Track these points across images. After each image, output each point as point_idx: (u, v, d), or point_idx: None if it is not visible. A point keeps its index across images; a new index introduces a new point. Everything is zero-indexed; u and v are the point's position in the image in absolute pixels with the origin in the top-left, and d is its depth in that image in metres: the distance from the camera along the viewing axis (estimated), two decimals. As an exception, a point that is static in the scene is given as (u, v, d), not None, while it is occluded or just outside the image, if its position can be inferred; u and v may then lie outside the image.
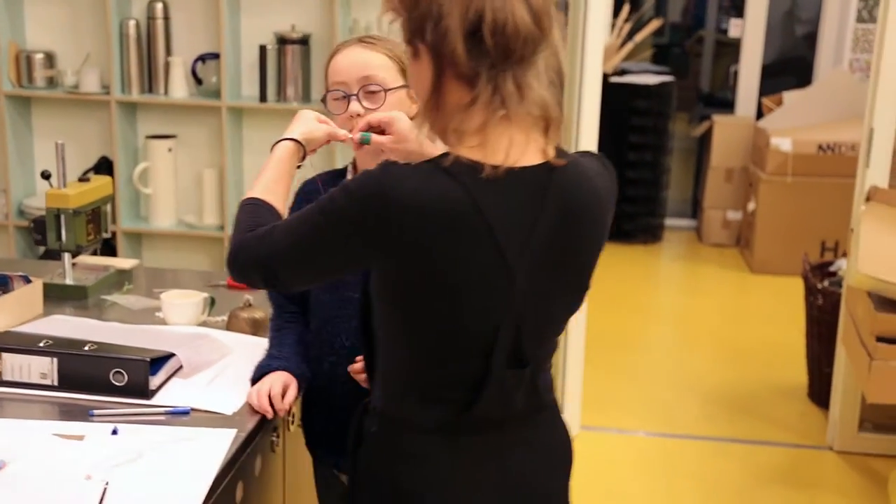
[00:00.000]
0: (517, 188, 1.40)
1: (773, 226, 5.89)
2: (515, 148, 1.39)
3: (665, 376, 4.37)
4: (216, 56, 3.70)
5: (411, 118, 1.71)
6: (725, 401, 4.16)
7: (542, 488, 1.58)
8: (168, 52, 3.78)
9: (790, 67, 7.24)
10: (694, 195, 7.21)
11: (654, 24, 7.20)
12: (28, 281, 2.28)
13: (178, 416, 1.82)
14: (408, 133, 1.71)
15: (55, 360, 1.88)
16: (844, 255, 5.11)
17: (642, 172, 6.49)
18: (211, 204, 3.84)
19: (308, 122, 1.76)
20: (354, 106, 1.83)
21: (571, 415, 3.69)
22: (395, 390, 1.53)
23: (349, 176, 1.90)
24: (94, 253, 2.76)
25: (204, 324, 2.26)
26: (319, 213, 1.43)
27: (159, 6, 3.73)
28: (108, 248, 3.82)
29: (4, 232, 3.90)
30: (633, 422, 3.91)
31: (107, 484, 1.56)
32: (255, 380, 1.88)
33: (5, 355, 1.89)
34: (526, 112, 1.40)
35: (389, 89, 1.83)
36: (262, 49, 3.63)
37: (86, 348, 1.89)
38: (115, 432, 1.73)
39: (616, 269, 5.70)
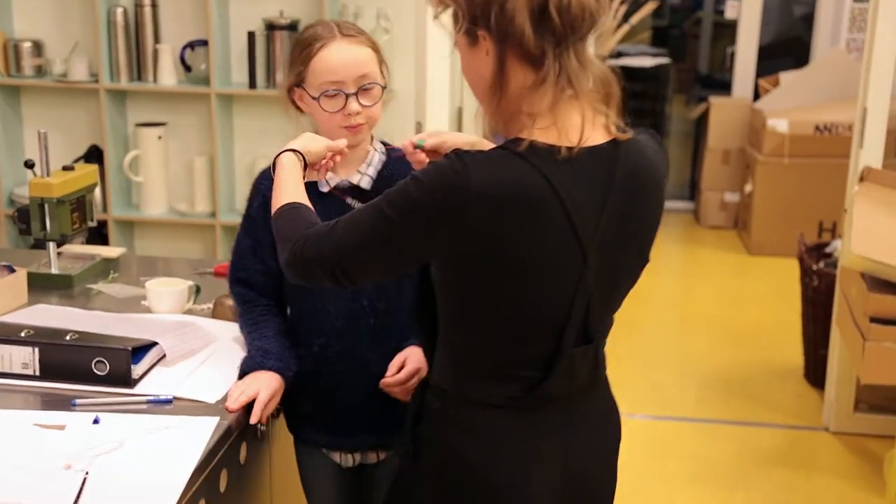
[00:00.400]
0: (589, 167, 1.41)
1: (770, 207, 5.86)
2: (587, 126, 1.40)
3: (662, 359, 4.36)
4: (205, 43, 3.68)
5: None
6: (722, 383, 4.15)
7: (598, 459, 1.63)
8: (156, 39, 3.76)
9: (787, 48, 7.19)
10: (691, 177, 7.18)
11: (651, 6, 7.16)
12: (12, 271, 2.27)
13: (161, 404, 1.80)
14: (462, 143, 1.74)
15: (36, 349, 1.87)
16: (841, 235, 5.10)
17: (639, 155, 6.44)
18: (202, 191, 3.82)
19: (305, 137, 1.77)
20: (354, 105, 1.83)
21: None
22: (461, 369, 1.54)
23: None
24: (83, 242, 2.75)
25: (189, 311, 2.24)
26: (389, 207, 1.42)
27: (147, -7, 3.71)
28: (100, 237, 3.80)
29: (-5, 221, 3.89)
30: (629, 405, 3.89)
31: (87, 474, 1.55)
32: (244, 374, 1.86)
33: (-14, 345, 1.88)
34: (591, 87, 1.41)
35: (385, 86, 1.86)
36: (251, 35, 3.61)
37: (67, 338, 1.88)
38: (96, 421, 1.72)
39: (613, 253, 5.65)
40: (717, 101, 6.53)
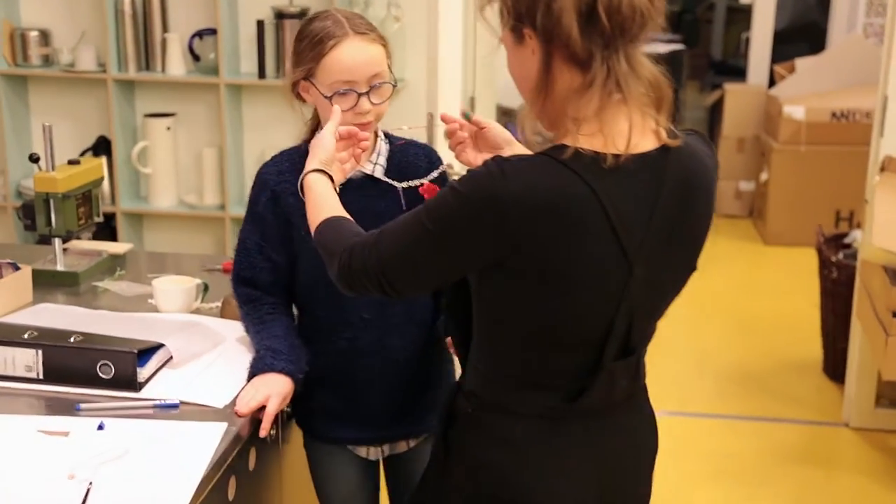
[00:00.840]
0: (637, 176, 1.36)
1: (786, 196, 5.78)
2: (635, 132, 1.35)
3: (678, 353, 4.29)
4: (213, 32, 3.62)
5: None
6: (739, 377, 4.08)
7: (635, 471, 1.59)
8: (165, 28, 3.70)
9: (803, 33, 7.10)
10: (706, 165, 7.08)
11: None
12: (17, 268, 2.22)
13: (167, 409, 1.76)
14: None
15: (40, 352, 1.82)
16: (859, 225, 5.01)
17: (653, 143, 6.36)
18: (211, 183, 3.77)
19: (314, 151, 1.70)
20: (366, 104, 1.81)
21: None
22: (496, 376, 1.50)
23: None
24: (90, 238, 2.70)
25: (197, 310, 2.19)
26: (428, 219, 1.38)
27: (155, -19, 3.65)
28: (109, 230, 3.76)
29: (3, 213, 3.84)
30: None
31: (90, 484, 1.50)
32: (253, 375, 1.81)
33: (-11, 348, 1.83)
34: (641, 92, 1.36)
35: (395, 84, 1.84)
36: (260, 24, 3.54)
37: (71, 340, 1.83)
38: (101, 427, 1.67)
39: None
40: (731, 88, 6.45)
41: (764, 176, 5.97)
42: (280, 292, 1.93)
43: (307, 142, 1.87)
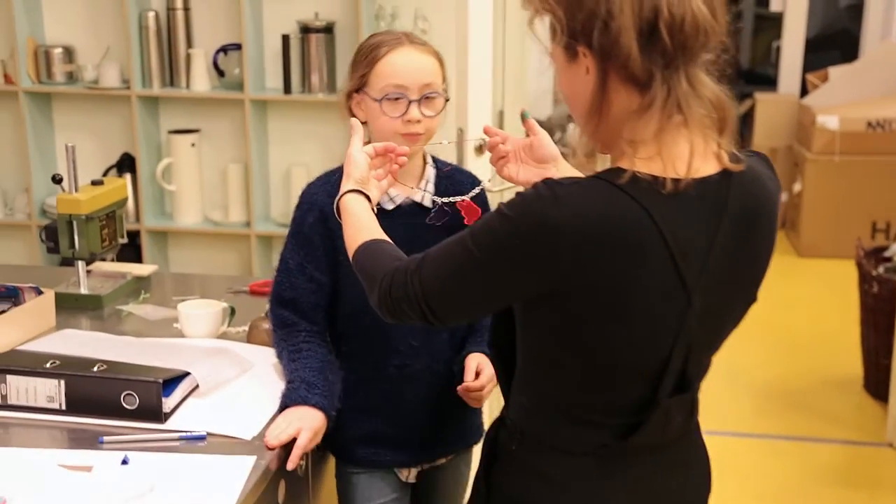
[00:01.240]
0: (697, 203, 1.27)
1: (820, 207, 5.67)
2: (696, 156, 1.26)
3: (712, 370, 4.15)
4: (238, 47, 3.56)
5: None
6: (777, 395, 3.98)
7: None
8: (189, 43, 3.65)
9: (833, 41, 6.99)
10: (736, 176, 6.98)
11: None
12: (40, 292, 2.16)
13: (194, 441, 1.69)
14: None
15: (62, 382, 1.76)
16: (897, 237, 4.91)
17: (682, 154, 6.27)
18: (237, 200, 3.71)
19: (353, 167, 1.63)
20: (415, 112, 1.78)
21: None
22: (542, 411, 1.42)
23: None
24: (113, 259, 2.64)
25: (224, 335, 2.13)
26: (474, 243, 1.30)
27: (179, -4, 3.60)
28: (133, 248, 3.70)
29: (28, 232, 3.80)
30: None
31: (113, 524, 1.43)
32: (285, 406, 1.74)
33: (10, 378, 1.77)
34: (702, 113, 1.27)
35: (447, 98, 1.83)
36: (285, 38, 3.49)
37: (94, 369, 1.76)
38: (125, 462, 1.61)
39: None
40: (762, 98, 6.35)
41: (797, 187, 5.86)
42: (319, 318, 1.87)
43: None
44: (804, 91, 6.26)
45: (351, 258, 1.52)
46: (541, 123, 1.76)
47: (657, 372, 1.33)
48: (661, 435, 1.40)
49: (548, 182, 1.25)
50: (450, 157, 2.54)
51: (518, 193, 1.29)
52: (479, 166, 2.94)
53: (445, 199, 1.81)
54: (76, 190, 2.28)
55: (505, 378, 1.50)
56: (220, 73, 3.66)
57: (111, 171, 3.75)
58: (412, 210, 1.85)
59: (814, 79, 6.15)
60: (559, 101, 6.01)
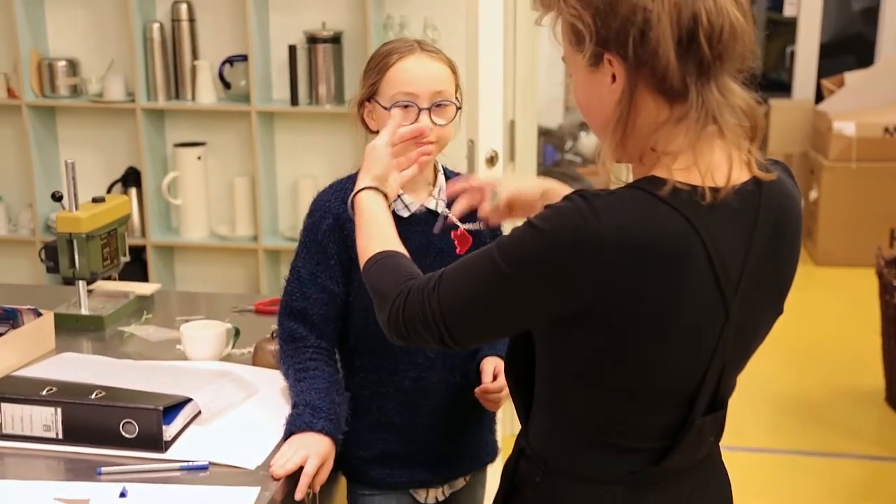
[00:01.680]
0: (733, 212, 1.22)
1: (837, 215, 5.59)
2: (735, 167, 1.21)
3: (729, 381, 4.09)
4: (244, 58, 3.51)
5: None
6: (795, 409, 3.89)
7: None
8: (194, 55, 3.59)
9: (847, 46, 6.90)
10: (750, 183, 6.90)
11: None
12: (39, 314, 2.10)
13: (196, 471, 1.62)
14: None
15: (59, 410, 1.69)
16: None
17: (696, 162, 6.19)
18: (244, 214, 3.65)
19: (367, 163, 1.57)
20: (426, 120, 1.73)
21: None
22: (568, 438, 1.34)
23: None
24: (116, 277, 2.58)
25: (228, 357, 2.06)
26: (503, 259, 1.22)
27: (184, 7, 3.54)
28: (139, 264, 3.65)
29: (31, 248, 3.75)
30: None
31: (109, 563, 1.37)
32: (290, 433, 1.68)
33: (5, 405, 1.71)
34: (734, 122, 1.22)
35: (460, 106, 1.78)
36: (292, 49, 3.43)
37: (92, 396, 1.70)
38: (123, 494, 1.54)
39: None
40: (777, 104, 6.27)
41: (813, 194, 5.78)
42: (329, 331, 1.81)
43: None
44: (819, 97, 6.18)
45: (361, 267, 1.45)
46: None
47: (692, 391, 1.27)
48: (693, 456, 1.34)
49: (582, 193, 1.19)
50: (460, 168, 2.48)
51: (550, 206, 1.22)
52: (490, 177, 2.87)
53: (449, 217, 1.76)
54: (76, 207, 2.22)
55: (523, 403, 1.43)
56: (227, 85, 3.61)
57: (116, 185, 3.70)
58: (426, 218, 1.80)
59: (829, 84, 6.07)
60: (570, 110, 5.94)
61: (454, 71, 1.80)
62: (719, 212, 1.20)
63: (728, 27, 1.17)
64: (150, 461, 1.64)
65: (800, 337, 4.63)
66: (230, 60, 3.59)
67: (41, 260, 2.27)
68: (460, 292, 1.27)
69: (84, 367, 1.91)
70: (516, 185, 1.62)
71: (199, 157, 3.63)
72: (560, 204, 1.20)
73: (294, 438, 1.67)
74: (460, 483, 1.93)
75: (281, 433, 1.70)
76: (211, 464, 1.63)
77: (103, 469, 1.61)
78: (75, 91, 3.69)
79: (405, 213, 1.79)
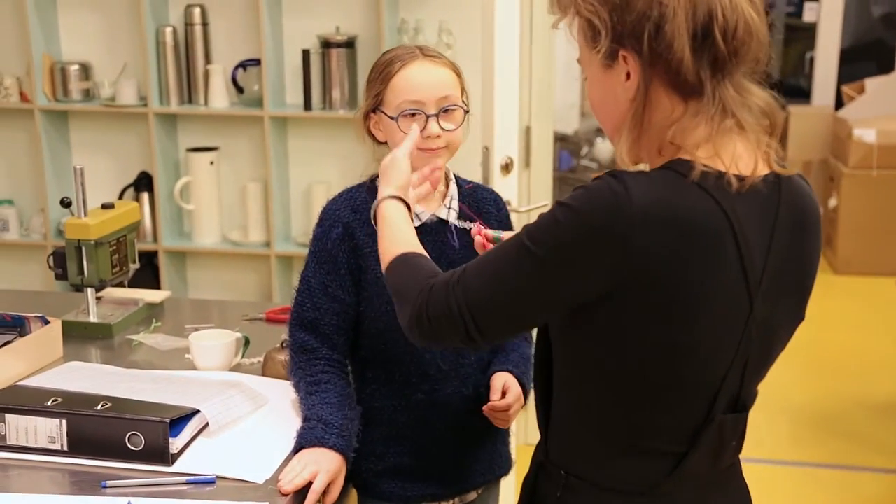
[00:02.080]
0: (756, 203, 1.21)
1: (857, 222, 5.52)
2: (760, 162, 1.21)
3: (747, 392, 4.03)
4: (257, 62, 3.47)
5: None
6: (815, 420, 3.83)
7: None
8: (207, 59, 3.56)
9: (868, 52, 6.84)
10: (768, 190, 6.84)
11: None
12: (46, 322, 2.07)
13: (203, 485, 1.58)
14: None
15: (64, 421, 1.65)
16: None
17: (713, 168, 6.14)
18: (256, 219, 3.61)
19: (394, 171, 1.54)
20: (434, 127, 1.71)
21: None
22: (588, 445, 1.32)
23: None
24: (126, 284, 2.55)
25: (237, 367, 2.02)
26: (533, 243, 1.20)
27: (197, 11, 3.51)
28: (151, 269, 3.62)
29: (43, 253, 3.71)
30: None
31: (112, 582, 1.33)
32: (300, 447, 1.64)
33: (9, 416, 1.67)
34: (753, 119, 1.21)
35: (467, 110, 1.76)
36: (306, 53, 3.39)
37: (98, 407, 1.66)
38: (128, 509, 1.50)
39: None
40: (796, 110, 6.20)
41: (833, 202, 5.72)
42: (341, 343, 1.77)
43: (375, 180, 1.73)
44: (839, 103, 6.12)
45: (384, 270, 1.43)
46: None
47: (714, 387, 1.25)
48: (710, 462, 1.31)
49: (612, 172, 1.18)
50: (475, 175, 2.43)
51: (580, 186, 1.20)
52: (505, 184, 2.83)
53: (460, 224, 1.76)
54: (85, 214, 2.19)
55: (543, 414, 1.40)
56: (239, 90, 3.57)
57: (128, 190, 3.67)
58: (438, 227, 1.78)
59: (850, 91, 6.01)
60: (586, 115, 5.89)
61: (458, 74, 1.78)
62: (746, 199, 1.19)
63: (743, 24, 1.18)
64: (156, 474, 1.60)
65: (819, 346, 4.56)
66: (243, 65, 3.55)
67: (49, 267, 2.24)
68: (487, 282, 1.24)
69: (90, 377, 1.87)
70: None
71: (211, 162, 3.59)
72: (591, 184, 1.19)
73: (304, 453, 1.62)
74: (472, 496, 1.89)
75: (290, 447, 1.66)
76: (218, 477, 1.59)
77: (108, 482, 1.57)
78: (88, 95, 3.66)
79: (416, 223, 1.75)
